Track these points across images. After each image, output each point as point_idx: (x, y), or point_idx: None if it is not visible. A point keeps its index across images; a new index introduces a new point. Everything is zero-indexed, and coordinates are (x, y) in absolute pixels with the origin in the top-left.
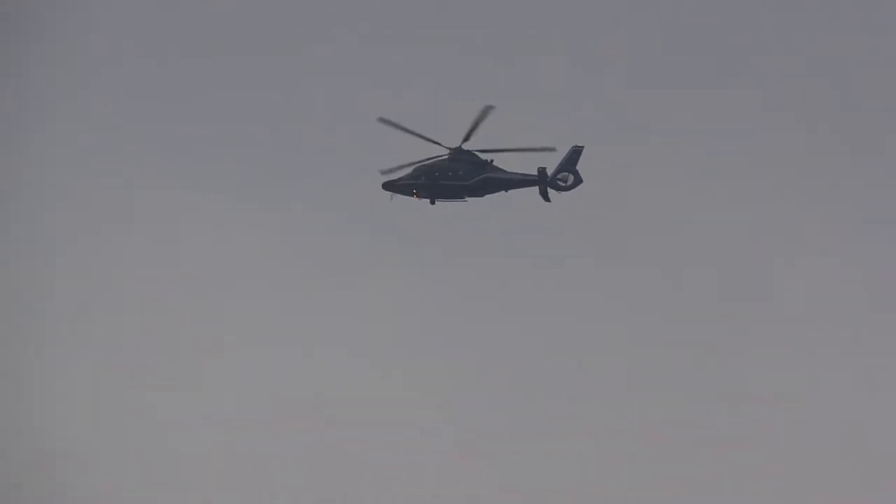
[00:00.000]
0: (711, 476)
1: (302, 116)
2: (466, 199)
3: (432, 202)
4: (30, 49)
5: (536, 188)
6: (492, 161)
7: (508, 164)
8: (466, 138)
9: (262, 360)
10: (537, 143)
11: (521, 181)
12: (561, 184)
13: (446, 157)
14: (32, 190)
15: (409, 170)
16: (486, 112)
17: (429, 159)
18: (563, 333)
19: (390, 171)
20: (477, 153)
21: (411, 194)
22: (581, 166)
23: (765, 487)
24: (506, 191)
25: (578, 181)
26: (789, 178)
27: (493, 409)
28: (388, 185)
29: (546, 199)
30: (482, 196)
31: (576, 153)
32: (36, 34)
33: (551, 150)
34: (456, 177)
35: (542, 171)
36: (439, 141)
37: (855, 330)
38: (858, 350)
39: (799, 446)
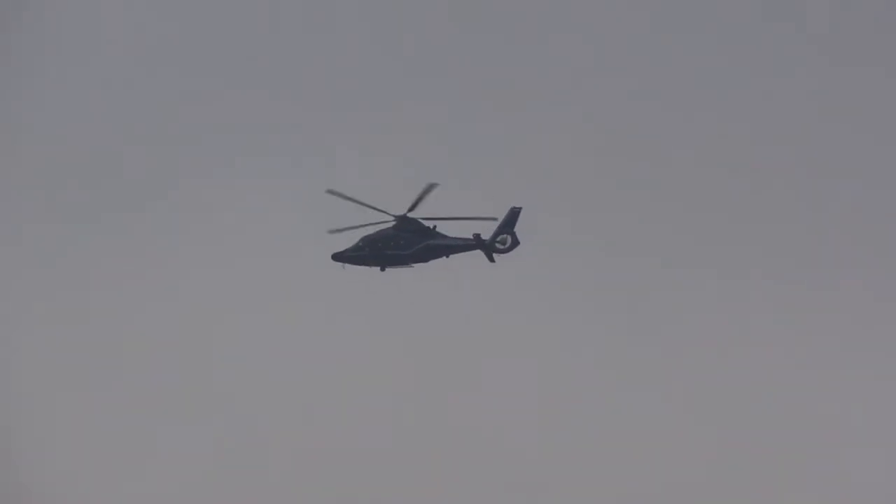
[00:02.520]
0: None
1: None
2: (412, 265)
3: (382, 269)
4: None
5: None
6: (434, 227)
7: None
8: (411, 209)
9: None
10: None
11: (461, 247)
12: (499, 246)
13: (392, 224)
14: None
15: (355, 240)
16: (430, 188)
17: (376, 223)
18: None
19: (339, 230)
20: (421, 220)
21: (360, 263)
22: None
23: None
24: (447, 257)
25: (516, 243)
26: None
27: None
28: (337, 256)
29: (491, 260)
30: (427, 262)
31: (513, 215)
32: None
33: (492, 219)
34: (398, 246)
35: (476, 236)
36: (385, 209)
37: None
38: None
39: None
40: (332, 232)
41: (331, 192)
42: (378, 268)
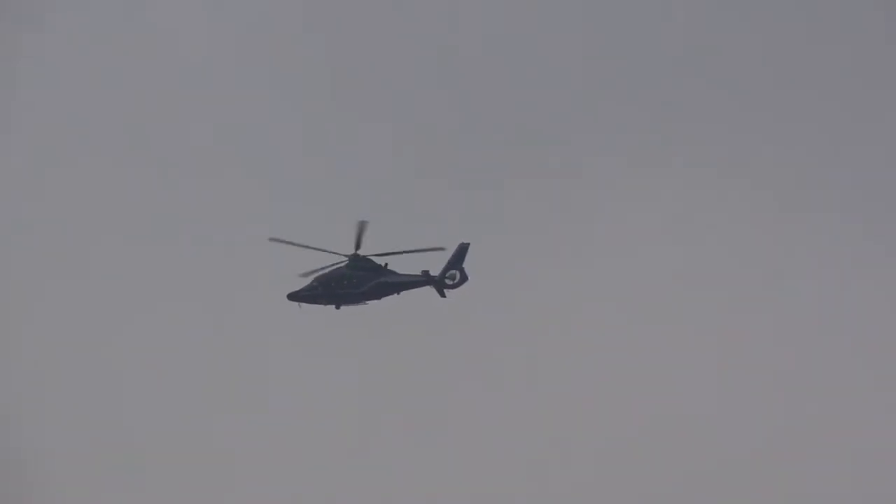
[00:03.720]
0: None
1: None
2: (366, 302)
3: (337, 307)
4: None
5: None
6: (386, 265)
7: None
8: (357, 248)
9: None
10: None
11: (412, 283)
12: (448, 282)
13: (345, 262)
14: None
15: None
16: (362, 225)
17: (332, 265)
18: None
19: (281, 240)
20: (372, 258)
21: (315, 302)
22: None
23: None
24: (398, 294)
25: (464, 279)
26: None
27: None
28: (292, 296)
29: (442, 295)
30: (380, 299)
31: (462, 250)
32: None
33: (440, 249)
34: (351, 284)
35: (425, 273)
36: (336, 250)
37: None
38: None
39: None
40: (303, 275)
41: (273, 239)
42: (333, 306)
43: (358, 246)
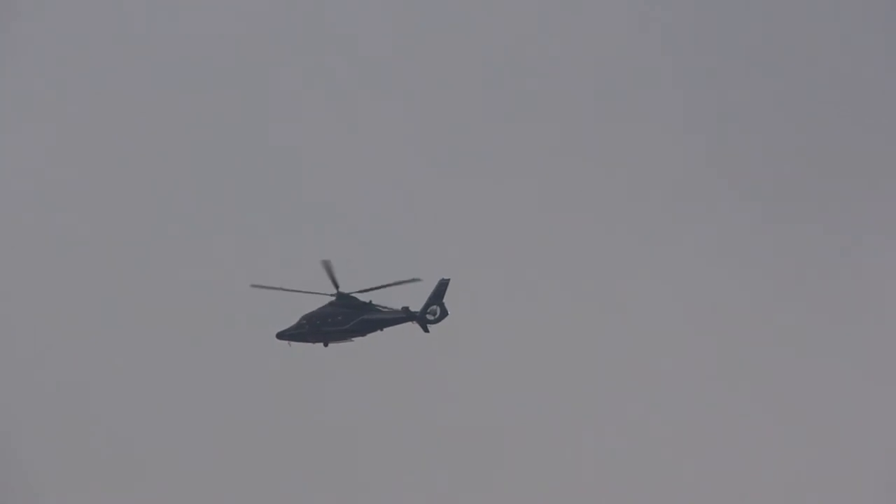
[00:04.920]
0: None
1: None
2: (353, 339)
3: (325, 345)
4: None
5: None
6: (370, 301)
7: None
8: (336, 286)
9: None
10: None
11: (395, 320)
12: (430, 317)
13: (331, 300)
14: None
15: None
16: (327, 264)
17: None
18: None
19: (264, 287)
20: (356, 295)
21: (303, 340)
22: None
23: None
24: (381, 330)
25: (445, 314)
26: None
27: None
28: (281, 335)
29: (425, 330)
30: (364, 336)
31: (442, 286)
32: None
33: (417, 280)
34: (335, 322)
35: (406, 309)
36: (319, 291)
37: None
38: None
39: None
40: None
41: (255, 286)
42: (321, 344)
43: (336, 284)
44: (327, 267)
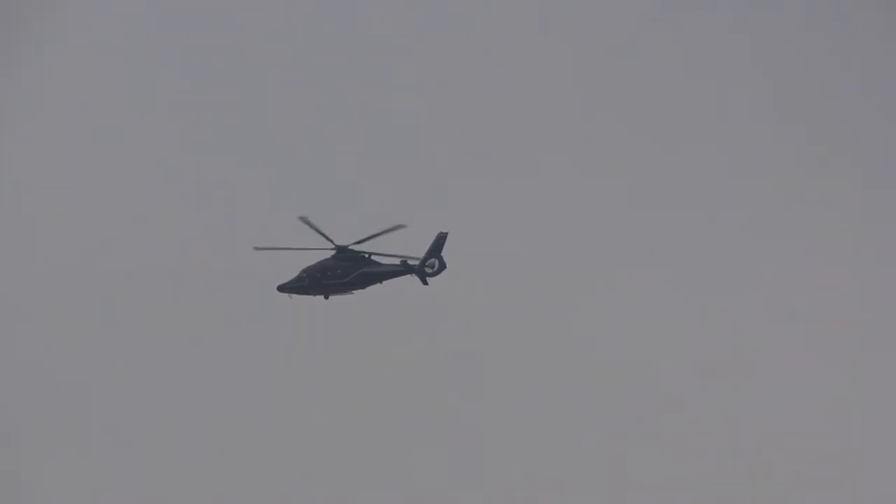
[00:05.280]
0: None
1: None
2: (353, 292)
3: (326, 297)
4: None
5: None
6: (369, 255)
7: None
8: (329, 240)
9: None
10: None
11: (394, 273)
12: (428, 270)
13: (331, 253)
14: None
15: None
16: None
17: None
18: None
19: (265, 248)
20: (354, 248)
21: (304, 293)
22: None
23: None
24: (380, 283)
25: (443, 267)
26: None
27: None
28: (281, 288)
29: (424, 283)
30: (364, 288)
31: (440, 239)
32: None
33: (402, 227)
34: (335, 275)
35: (404, 262)
36: (321, 245)
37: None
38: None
39: None
40: (257, 249)
41: (258, 248)
42: (322, 296)
43: (328, 238)
44: (307, 222)
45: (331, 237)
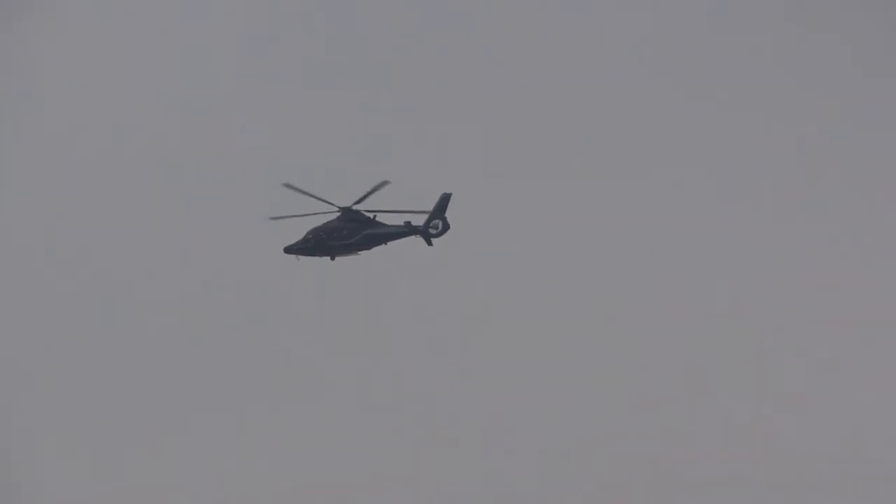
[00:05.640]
0: None
1: None
2: (359, 253)
3: (332, 258)
4: None
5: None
6: (374, 217)
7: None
8: (357, 202)
9: None
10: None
11: (398, 234)
12: (432, 231)
13: (336, 215)
14: None
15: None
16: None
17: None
18: None
19: (280, 217)
20: (363, 212)
21: (310, 254)
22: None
23: None
24: (385, 244)
25: (447, 227)
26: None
27: None
28: (288, 249)
29: (429, 244)
30: (370, 249)
31: (444, 200)
32: None
33: (386, 183)
34: (340, 237)
35: (408, 223)
36: (332, 201)
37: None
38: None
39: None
40: (273, 218)
41: (287, 185)
42: (328, 258)
43: (360, 201)
44: (293, 187)
45: (327, 199)
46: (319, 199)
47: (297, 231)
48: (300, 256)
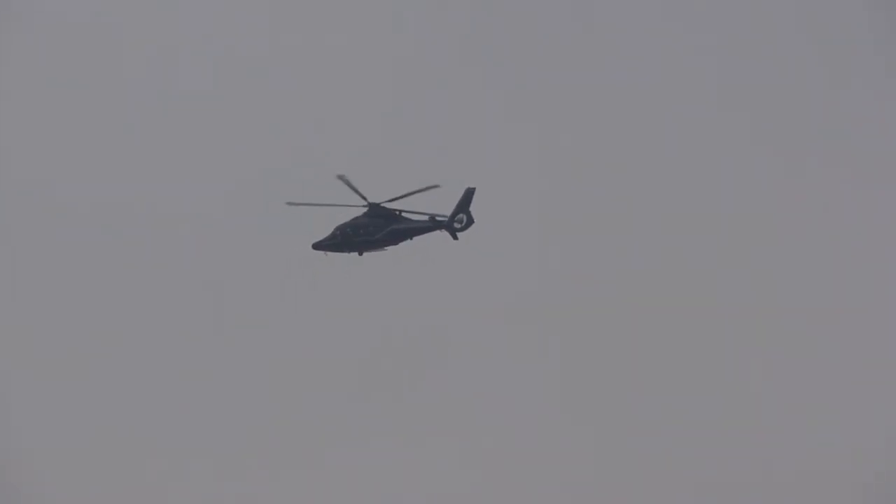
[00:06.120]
0: None
1: None
2: (386, 248)
3: (360, 254)
4: None
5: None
6: (400, 213)
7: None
8: (363, 198)
9: None
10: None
11: (423, 229)
12: (457, 226)
13: (363, 210)
14: None
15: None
16: (344, 178)
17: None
18: None
19: (298, 204)
20: (386, 206)
21: (338, 250)
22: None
23: None
24: (411, 239)
25: (471, 222)
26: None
27: None
28: (316, 246)
29: (454, 238)
30: (396, 244)
31: (468, 195)
32: None
33: (436, 186)
34: (367, 233)
35: (432, 218)
36: (354, 202)
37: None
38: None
39: None
40: (290, 204)
41: (290, 203)
42: (356, 253)
43: (362, 196)
44: (345, 181)
45: (364, 195)
46: (360, 193)
47: (324, 226)
48: (328, 252)
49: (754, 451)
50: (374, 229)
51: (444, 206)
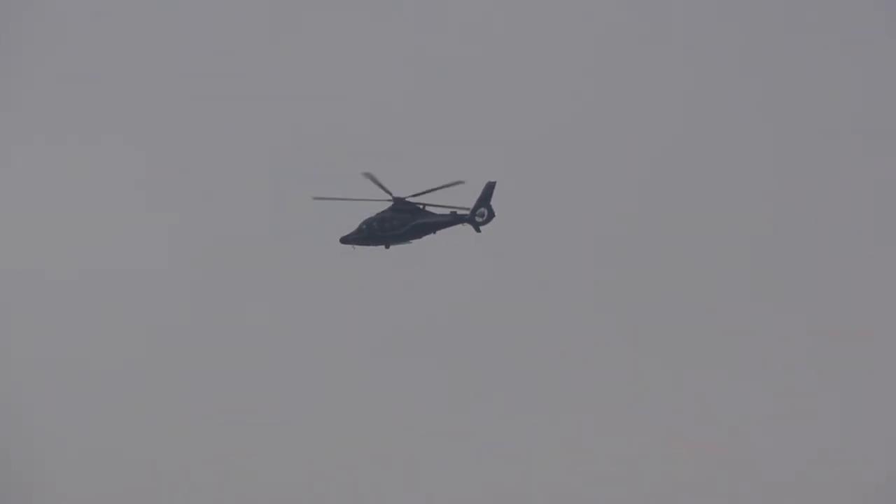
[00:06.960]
0: None
1: None
2: (411, 241)
3: (387, 247)
4: None
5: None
6: (424, 207)
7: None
8: (389, 193)
9: None
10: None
11: (446, 223)
12: (478, 219)
13: (389, 204)
14: None
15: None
16: (370, 175)
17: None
18: None
19: (324, 198)
20: (411, 200)
21: (365, 244)
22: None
23: None
24: (434, 233)
25: (492, 215)
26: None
27: None
28: (344, 240)
29: (477, 231)
30: (420, 238)
31: (489, 189)
32: None
33: (460, 182)
34: (392, 227)
35: (453, 213)
36: (379, 196)
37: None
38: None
39: None
40: (316, 198)
41: (317, 198)
42: (383, 246)
43: (388, 191)
44: (371, 177)
45: (390, 190)
46: (386, 189)
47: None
48: (356, 246)
49: (754, 451)
50: (399, 224)
51: (465, 200)
